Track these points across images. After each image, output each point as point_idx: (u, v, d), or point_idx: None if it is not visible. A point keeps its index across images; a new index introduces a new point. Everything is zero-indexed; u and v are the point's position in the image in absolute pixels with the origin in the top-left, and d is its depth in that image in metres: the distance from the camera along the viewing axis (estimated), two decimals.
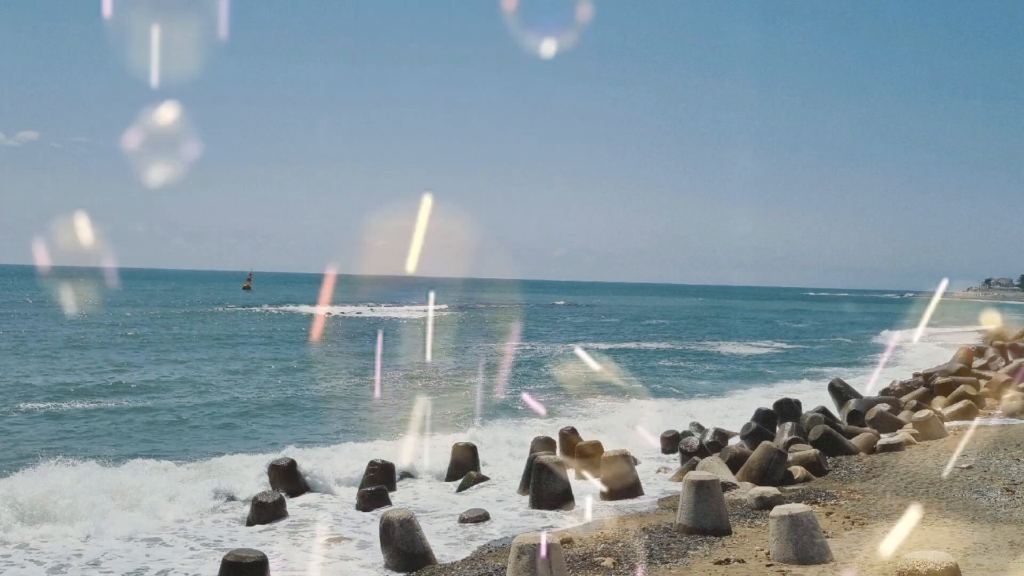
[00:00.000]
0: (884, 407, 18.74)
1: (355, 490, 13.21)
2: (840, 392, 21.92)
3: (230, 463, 14.66)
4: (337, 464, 14.49)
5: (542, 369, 34.39)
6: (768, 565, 8.38)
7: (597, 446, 14.49)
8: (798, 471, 13.10)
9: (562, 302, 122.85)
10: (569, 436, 15.79)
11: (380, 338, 48.58)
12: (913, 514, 10.38)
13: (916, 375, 26.44)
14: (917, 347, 47.79)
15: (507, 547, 8.70)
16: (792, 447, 14.49)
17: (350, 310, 79.16)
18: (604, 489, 12.87)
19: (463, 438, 16.31)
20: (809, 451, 14.00)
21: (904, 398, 21.32)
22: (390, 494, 12.98)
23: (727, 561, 8.64)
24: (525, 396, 23.61)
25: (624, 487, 12.82)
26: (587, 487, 13.43)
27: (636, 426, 19.45)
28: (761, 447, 13.38)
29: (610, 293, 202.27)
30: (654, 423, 19.58)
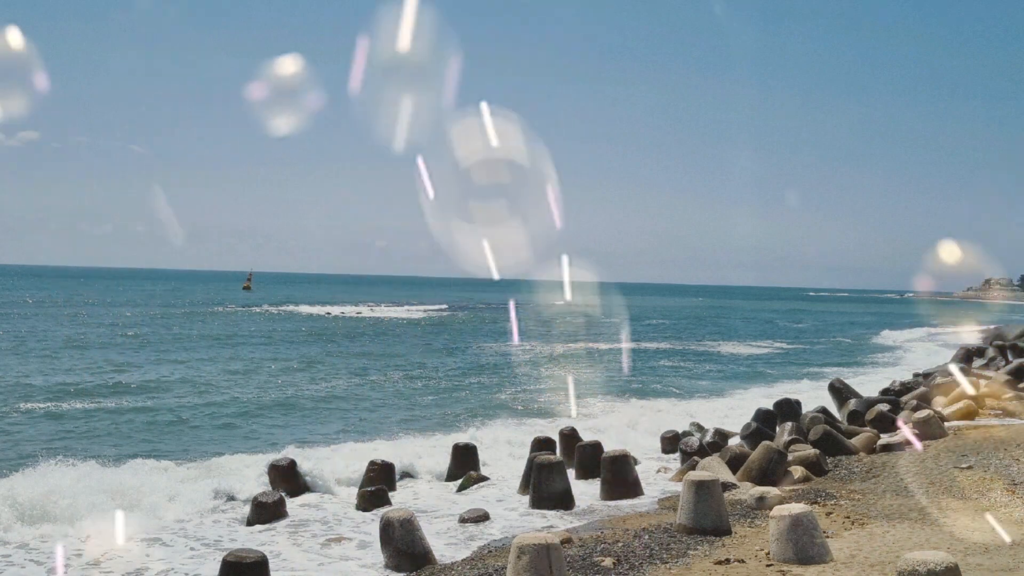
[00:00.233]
0: (884, 407, 18.74)
1: (355, 490, 13.21)
2: (840, 392, 21.92)
3: (230, 463, 14.67)
4: (337, 464, 14.49)
5: (542, 369, 34.39)
6: (768, 565, 8.38)
7: (597, 446, 14.49)
8: (798, 471, 13.10)
9: (562, 302, 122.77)
10: (569, 436, 15.79)
11: (380, 338, 48.59)
12: (913, 514, 10.39)
13: (916, 375, 26.45)
14: (917, 347, 47.83)
15: (507, 547, 8.70)
16: (792, 447, 14.49)
17: (350, 310, 79.17)
18: (604, 489, 12.87)
19: (463, 438, 16.32)
20: (809, 451, 14.00)
21: (904, 398, 21.32)
22: (390, 494, 12.98)
23: (727, 561, 8.64)
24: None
25: (624, 487, 12.82)
26: (587, 487, 13.44)
27: (635, 426, 19.48)
28: (761, 447, 13.38)
29: (610, 293, 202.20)
30: (654, 423, 19.59)
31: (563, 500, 12.21)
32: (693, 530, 9.72)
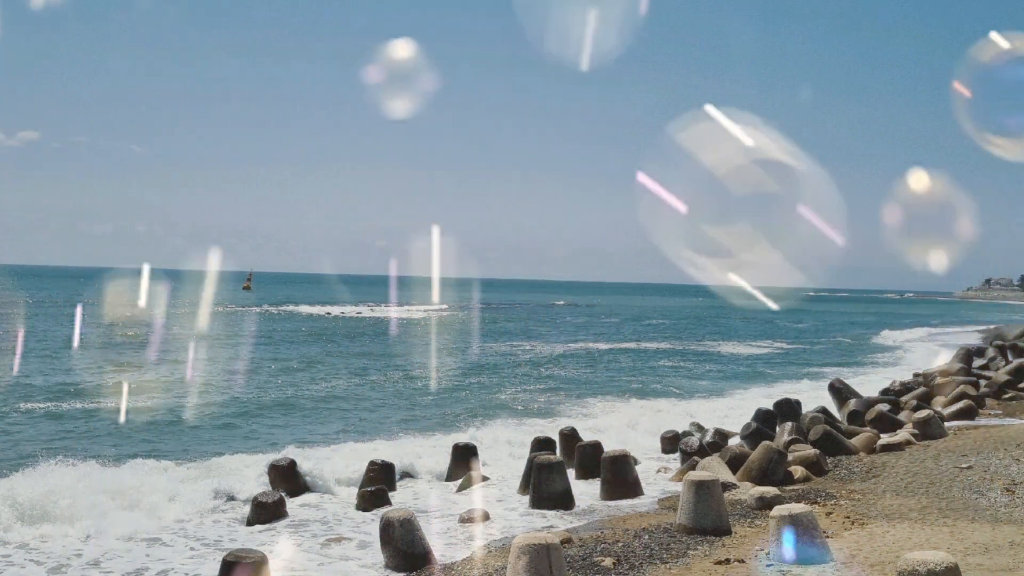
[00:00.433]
0: (884, 407, 18.75)
1: (355, 490, 13.21)
2: (840, 392, 21.92)
3: (230, 463, 14.65)
4: (337, 464, 14.48)
5: (542, 369, 34.39)
6: (768, 565, 8.38)
7: (597, 446, 14.49)
8: (798, 471, 13.10)
9: (562, 302, 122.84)
10: (569, 436, 15.79)
11: (380, 338, 48.59)
12: (913, 514, 10.39)
13: (916, 375, 26.46)
14: (917, 347, 47.82)
15: (507, 547, 8.70)
16: (792, 447, 14.49)
17: (350, 310, 79.16)
18: (604, 489, 12.87)
19: (463, 438, 16.31)
20: (809, 451, 14.00)
21: (904, 398, 21.32)
22: (390, 494, 12.98)
23: (727, 561, 8.64)
24: None
25: (624, 487, 12.82)
26: (587, 487, 13.44)
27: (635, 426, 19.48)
28: (761, 447, 13.37)
29: (610, 293, 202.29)
30: (654, 423, 19.59)
31: (563, 500, 12.21)
32: (693, 530, 9.72)
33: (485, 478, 14.26)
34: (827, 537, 8.94)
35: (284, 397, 24.77)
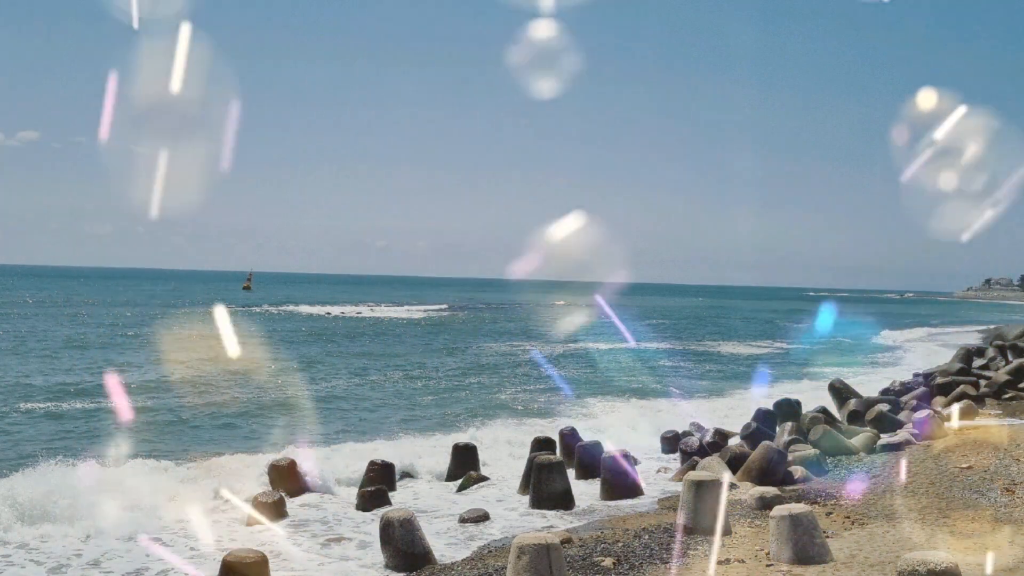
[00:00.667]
0: (884, 407, 18.74)
1: (355, 490, 13.21)
2: (840, 392, 21.92)
3: (230, 463, 14.65)
4: (337, 464, 14.49)
5: (542, 369, 34.39)
6: (768, 565, 8.38)
7: (597, 446, 14.50)
8: (798, 471, 13.10)
9: (562, 302, 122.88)
10: (569, 436, 15.79)
11: (380, 338, 48.60)
12: (913, 514, 10.39)
13: (916, 375, 26.44)
14: (917, 347, 47.82)
15: (507, 547, 8.70)
16: (792, 447, 14.49)
17: (350, 310, 79.16)
18: (604, 489, 12.87)
19: (463, 438, 16.31)
20: (809, 451, 14.00)
21: (904, 398, 21.32)
22: (390, 494, 12.98)
23: (727, 561, 8.64)
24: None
25: (624, 487, 12.82)
26: (587, 487, 13.44)
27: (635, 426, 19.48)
28: (761, 447, 13.38)
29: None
30: (654, 423, 19.59)
31: (563, 500, 12.21)
32: (693, 530, 9.72)
33: (485, 478, 14.26)
34: (827, 537, 8.94)
35: (284, 397, 24.76)
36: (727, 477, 11.71)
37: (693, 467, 13.56)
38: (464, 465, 14.65)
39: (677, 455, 15.80)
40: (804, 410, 18.33)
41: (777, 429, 16.22)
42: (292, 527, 11.44)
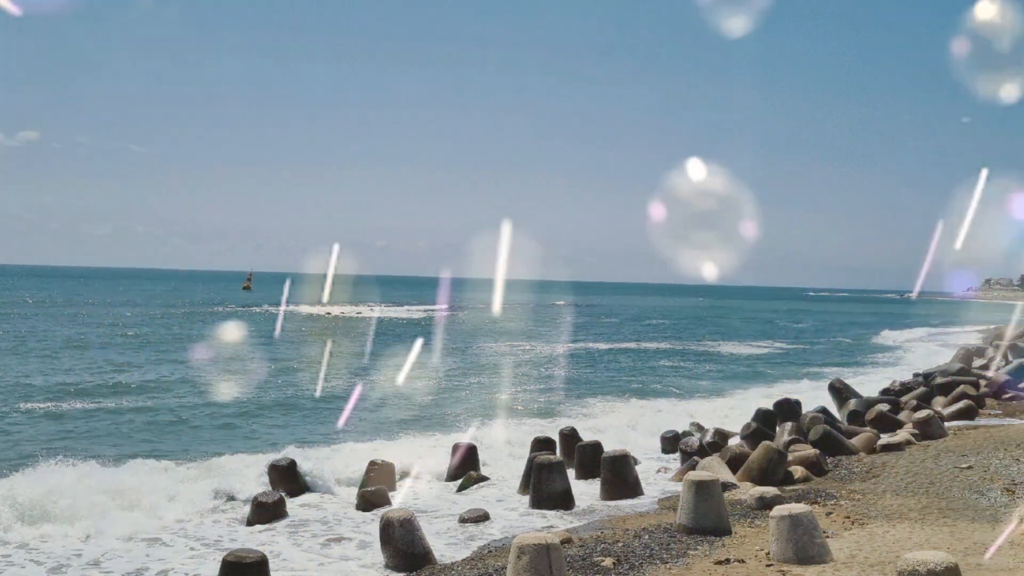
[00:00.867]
0: (884, 407, 18.75)
1: (355, 490, 13.21)
2: (840, 392, 21.92)
3: (230, 463, 14.65)
4: (337, 464, 14.48)
5: (542, 369, 34.40)
6: (768, 565, 8.38)
7: (597, 446, 14.49)
8: (798, 471, 13.10)
9: (562, 302, 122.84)
10: (569, 436, 15.79)
11: (380, 338, 48.58)
12: (913, 514, 10.39)
13: (916, 375, 26.45)
14: (917, 347, 47.83)
15: (507, 547, 8.70)
16: (792, 447, 14.49)
17: (350, 310, 79.14)
18: (604, 489, 12.87)
19: (463, 438, 16.30)
20: (809, 451, 14.00)
21: (904, 398, 21.32)
22: (390, 494, 12.98)
23: (727, 561, 8.64)
24: None
25: (624, 487, 12.81)
26: (587, 487, 13.43)
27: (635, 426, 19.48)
28: (761, 447, 13.37)
29: (610, 293, 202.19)
30: (654, 423, 19.59)
31: (563, 500, 12.20)
32: (693, 530, 9.72)
33: (485, 478, 14.26)
34: (827, 537, 8.94)
35: (284, 397, 24.77)
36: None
37: (693, 467, 13.56)
38: (464, 465, 14.65)
39: (677, 455, 15.79)
40: (804, 410, 18.32)
41: (777, 429, 16.22)
42: (292, 527, 11.44)
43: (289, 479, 13.23)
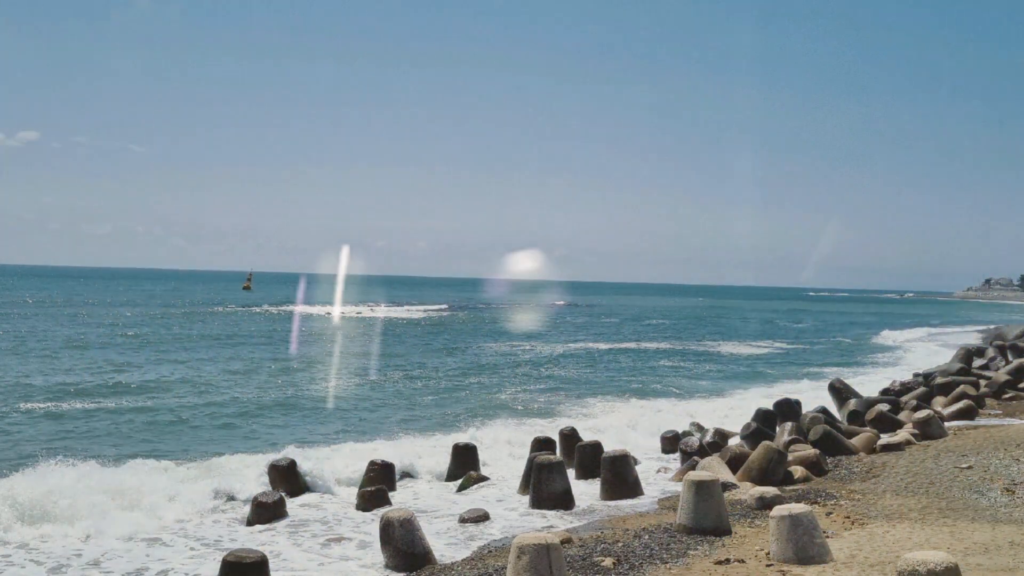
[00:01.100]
0: (884, 407, 18.75)
1: (355, 490, 13.21)
2: (840, 392, 21.92)
3: (230, 463, 14.66)
4: (337, 464, 14.48)
5: (542, 369, 34.40)
6: (768, 565, 8.38)
7: (597, 446, 14.49)
8: (798, 471, 13.10)
9: (562, 302, 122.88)
10: (569, 436, 15.79)
11: (380, 338, 48.59)
12: (913, 514, 10.39)
13: (916, 375, 26.45)
14: (917, 347, 47.84)
15: (507, 547, 8.70)
16: (792, 447, 14.49)
17: (350, 310, 79.17)
18: (604, 489, 12.87)
19: (463, 438, 16.31)
20: (809, 451, 14.00)
21: (904, 398, 21.32)
22: (390, 494, 12.98)
23: (727, 561, 8.64)
24: None
25: (624, 487, 12.81)
26: (587, 487, 13.43)
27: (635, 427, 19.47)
28: (761, 447, 13.37)
29: (610, 293, 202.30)
30: (654, 423, 19.60)
31: (563, 500, 12.20)
32: (693, 530, 9.72)
33: (485, 478, 14.26)
34: (827, 537, 8.94)
35: (284, 397, 24.78)
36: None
37: (693, 467, 13.56)
38: (464, 465, 14.65)
39: (677, 455, 15.80)
40: (804, 410, 18.34)
41: (777, 429, 16.22)
42: (292, 527, 11.44)
43: (289, 479, 13.23)
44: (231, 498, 12.76)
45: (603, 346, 47.15)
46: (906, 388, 23.11)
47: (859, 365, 38.12)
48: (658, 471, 15.17)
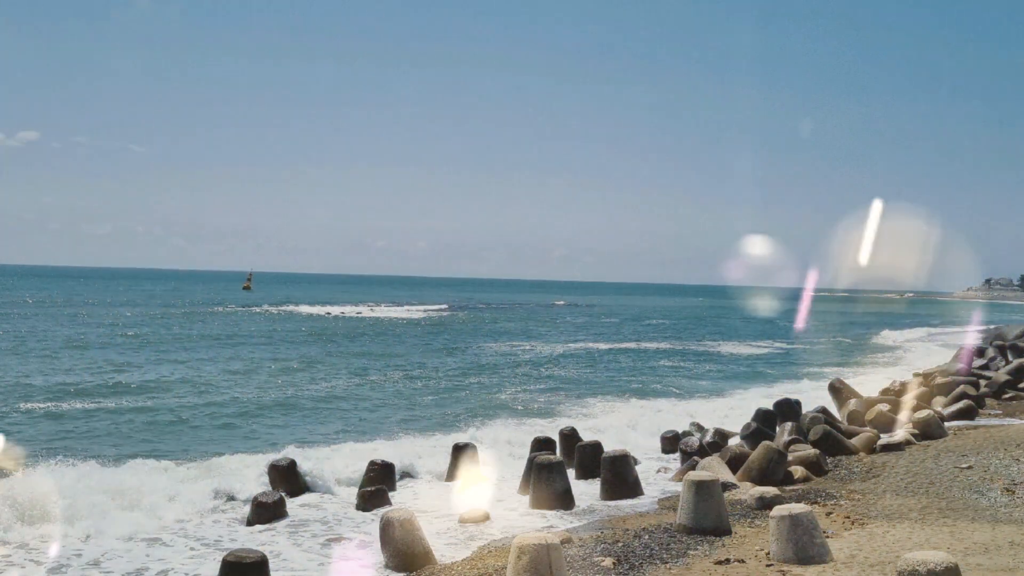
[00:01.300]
0: (884, 407, 18.74)
1: (355, 490, 13.21)
2: (840, 392, 21.92)
3: (230, 463, 14.64)
4: (337, 464, 14.47)
5: (542, 369, 34.40)
6: (768, 565, 8.38)
7: (597, 446, 14.49)
8: (798, 471, 13.10)
9: (562, 302, 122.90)
10: (569, 436, 15.79)
11: (380, 338, 48.59)
12: (913, 514, 10.39)
13: (916, 375, 26.46)
14: (917, 347, 47.83)
15: (507, 547, 8.70)
16: (792, 447, 14.49)
17: (350, 310, 79.17)
18: (604, 489, 12.87)
19: (463, 438, 16.31)
20: (809, 451, 14.00)
21: (904, 398, 21.32)
22: (390, 494, 12.98)
23: (727, 561, 8.64)
24: None
25: (624, 487, 12.81)
26: (587, 487, 13.44)
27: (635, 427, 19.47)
28: (761, 447, 13.38)
29: (610, 293, 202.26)
30: (654, 423, 19.59)
31: (563, 500, 12.21)
32: (693, 530, 9.72)
33: (485, 478, 14.25)
34: (827, 537, 8.94)
35: (284, 397, 24.77)
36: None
37: (693, 467, 13.56)
38: (464, 465, 14.63)
39: (677, 455, 15.80)
40: (804, 410, 18.33)
41: (777, 429, 16.22)
42: (292, 527, 11.45)
43: (289, 479, 13.23)
44: (231, 498, 12.76)
45: (603, 346, 47.16)
46: (906, 388, 23.11)
47: (859, 365, 38.09)
48: (658, 471, 15.17)
